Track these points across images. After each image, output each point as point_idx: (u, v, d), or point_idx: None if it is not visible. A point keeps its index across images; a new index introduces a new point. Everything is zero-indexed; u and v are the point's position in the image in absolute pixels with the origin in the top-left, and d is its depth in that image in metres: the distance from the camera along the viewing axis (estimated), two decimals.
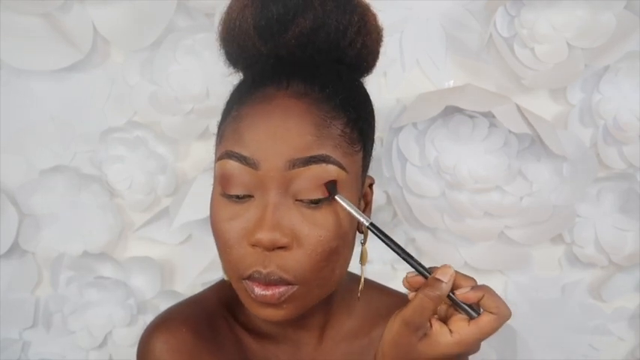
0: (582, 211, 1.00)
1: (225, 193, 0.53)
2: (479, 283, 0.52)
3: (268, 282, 0.51)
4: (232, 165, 0.52)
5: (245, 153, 0.51)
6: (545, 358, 1.06)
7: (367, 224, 0.52)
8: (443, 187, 0.98)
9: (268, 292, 0.51)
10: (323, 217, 0.52)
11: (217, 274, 0.98)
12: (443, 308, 0.52)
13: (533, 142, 0.95)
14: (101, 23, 0.93)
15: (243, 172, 0.51)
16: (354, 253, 0.59)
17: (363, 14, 0.57)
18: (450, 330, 0.49)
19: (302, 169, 0.51)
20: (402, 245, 1.02)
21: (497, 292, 0.50)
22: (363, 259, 0.58)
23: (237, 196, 0.52)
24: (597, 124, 0.97)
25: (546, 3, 0.90)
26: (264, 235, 0.50)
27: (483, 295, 0.49)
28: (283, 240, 0.50)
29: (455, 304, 0.50)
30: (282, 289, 0.51)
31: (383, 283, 0.68)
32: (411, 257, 0.51)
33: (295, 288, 0.52)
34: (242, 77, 0.59)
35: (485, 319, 0.48)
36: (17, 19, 0.93)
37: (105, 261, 1.02)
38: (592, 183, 0.97)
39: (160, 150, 0.99)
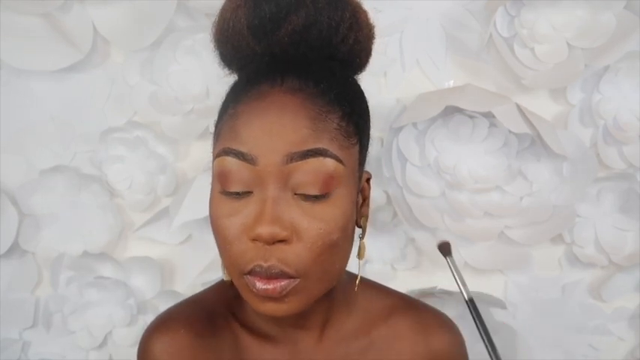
0: (582, 211, 1.00)
1: (224, 190, 0.53)
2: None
3: (269, 275, 0.51)
4: (230, 162, 0.52)
5: (242, 149, 0.51)
6: (545, 358, 1.06)
7: (466, 299, 0.54)
8: (443, 187, 0.98)
9: (270, 286, 0.51)
10: (322, 210, 0.52)
11: (217, 274, 0.98)
12: None
13: (533, 142, 0.95)
14: (101, 23, 0.93)
15: (241, 168, 0.52)
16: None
17: (355, 11, 0.58)
18: None
19: (299, 162, 0.51)
20: (402, 245, 1.02)
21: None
22: (360, 254, 0.59)
23: (237, 193, 0.52)
24: (597, 124, 0.97)
25: (546, 3, 0.90)
26: (264, 229, 0.50)
27: None
28: (283, 233, 0.51)
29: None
30: (283, 282, 0.52)
31: (383, 283, 0.68)
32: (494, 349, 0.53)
33: (297, 281, 0.52)
34: (237, 77, 0.59)
35: None
36: (17, 19, 0.93)
37: (105, 261, 1.02)
38: (592, 183, 0.97)
39: (160, 150, 0.99)
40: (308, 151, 0.51)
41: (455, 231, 0.98)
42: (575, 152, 0.95)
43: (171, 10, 0.92)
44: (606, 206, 1.00)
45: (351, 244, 0.57)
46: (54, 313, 1.04)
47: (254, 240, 0.51)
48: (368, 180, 0.61)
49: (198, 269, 1.01)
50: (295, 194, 0.52)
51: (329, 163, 0.52)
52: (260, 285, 0.52)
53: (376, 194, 0.99)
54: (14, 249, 1.02)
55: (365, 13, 0.59)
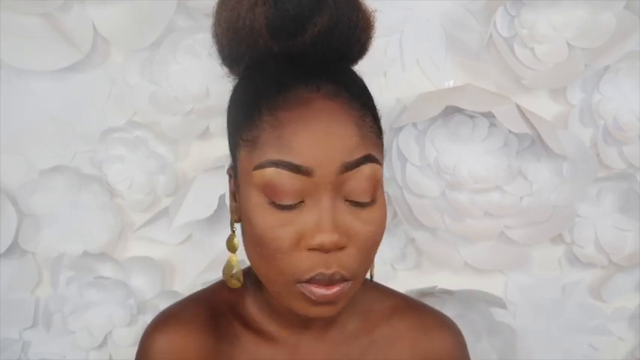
0: (582, 211, 1.00)
1: (275, 202, 0.51)
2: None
3: (332, 282, 0.52)
4: (281, 174, 0.51)
5: (297, 161, 0.50)
6: (545, 358, 1.06)
7: None
8: (443, 187, 0.98)
9: (330, 292, 0.52)
10: (371, 213, 0.53)
11: (217, 274, 0.98)
12: None
13: (533, 142, 0.95)
14: (101, 23, 0.93)
15: (294, 180, 0.50)
16: None
17: (366, 10, 0.58)
18: None
19: (352, 171, 0.51)
20: (402, 245, 1.02)
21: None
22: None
23: (291, 205, 0.51)
24: (597, 124, 0.97)
25: (546, 3, 0.90)
26: (326, 238, 0.50)
27: None
28: (343, 240, 0.51)
29: None
30: (341, 286, 0.52)
31: (383, 283, 0.68)
32: None
33: (350, 284, 0.53)
34: (247, 77, 0.57)
35: None
36: (17, 19, 0.93)
37: (105, 261, 1.02)
38: (592, 183, 0.97)
39: (160, 150, 0.99)
40: (359, 159, 0.51)
41: (455, 231, 0.98)
42: (575, 152, 0.95)
43: (171, 10, 0.92)
44: (606, 206, 1.00)
45: None
46: (54, 313, 1.04)
47: (312, 249, 0.51)
48: None
49: (198, 269, 1.01)
50: (346, 200, 0.52)
51: (375, 169, 0.52)
52: (320, 291, 0.52)
53: None
54: (14, 249, 1.01)
55: (372, 13, 0.59)
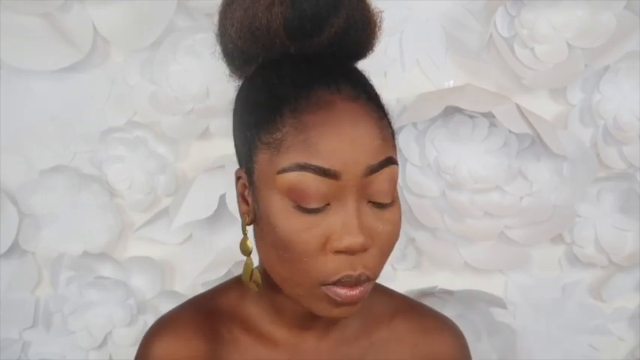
0: (582, 211, 1.00)
1: (301, 205, 0.51)
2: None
3: (358, 283, 0.52)
4: (308, 177, 0.50)
5: (324, 165, 0.50)
6: (545, 358, 1.06)
7: None
8: (443, 187, 0.98)
9: (355, 292, 0.52)
10: (391, 213, 0.53)
11: (217, 274, 0.99)
12: None
13: (533, 142, 0.95)
14: (101, 23, 0.93)
15: (320, 183, 0.50)
16: None
17: (374, 11, 0.58)
18: None
19: (376, 174, 0.51)
20: (402, 245, 1.02)
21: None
22: None
23: (317, 209, 0.51)
24: (597, 124, 0.97)
25: (546, 3, 0.90)
26: (354, 240, 0.50)
27: None
28: (369, 242, 0.51)
29: None
30: (364, 286, 0.53)
31: (383, 284, 0.68)
32: None
33: (372, 283, 0.54)
34: (261, 77, 0.56)
35: None
36: (17, 19, 0.93)
37: (105, 261, 1.02)
38: (592, 183, 0.97)
39: (160, 150, 0.99)
40: (382, 161, 0.52)
41: (455, 231, 0.98)
42: (575, 152, 0.95)
43: (171, 10, 0.92)
44: (606, 206, 1.00)
45: None
46: (54, 313, 1.04)
47: (339, 251, 0.51)
48: None
49: (199, 269, 1.01)
50: (369, 202, 0.52)
51: (395, 170, 0.53)
52: (346, 293, 0.52)
53: None
54: (14, 249, 1.01)
55: (379, 13, 0.59)
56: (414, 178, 0.98)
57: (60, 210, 1.01)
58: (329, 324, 0.62)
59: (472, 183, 0.96)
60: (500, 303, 0.98)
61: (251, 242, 0.57)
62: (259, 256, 0.57)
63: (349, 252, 0.51)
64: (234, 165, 0.59)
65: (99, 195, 1.00)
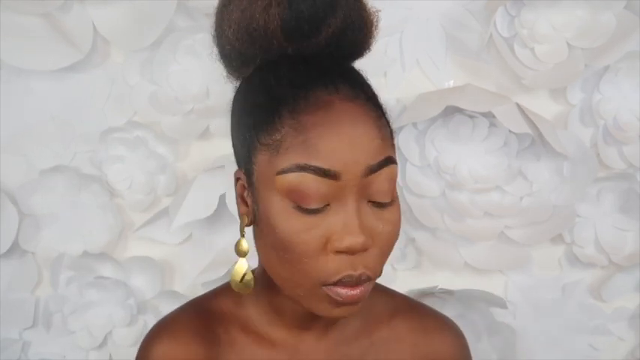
0: (582, 211, 1.00)
1: (301, 206, 0.51)
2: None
3: (359, 283, 0.52)
4: (308, 178, 0.50)
5: (324, 166, 0.50)
6: (545, 358, 1.06)
7: None
8: (443, 187, 0.98)
9: (356, 292, 0.52)
10: (390, 213, 0.53)
11: (217, 274, 0.99)
12: None
13: (533, 142, 0.95)
14: (101, 23, 0.93)
15: (321, 184, 0.50)
16: None
17: (370, 11, 0.58)
18: None
19: (376, 173, 0.51)
20: (402, 245, 1.02)
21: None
22: None
23: (317, 209, 0.51)
24: (597, 124, 0.97)
25: (546, 3, 0.90)
26: (354, 240, 0.50)
27: None
28: (369, 242, 0.51)
29: None
30: (364, 285, 0.53)
31: (383, 284, 0.68)
32: None
33: (372, 282, 0.54)
34: (258, 78, 0.56)
35: None
36: (17, 19, 0.93)
37: (105, 261, 1.02)
38: (592, 183, 0.97)
39: (160, 150, 0.99)
40: (382, 161, 0.52)
41: (455, 231, 0.98)
42: (576, 152, 0.95)
43: (171, 10, 0.92)
44: (606, 206, 1.00)
45: None
46: (54, 313, 1.04)
47: (339, 252, 0.51)
48: None
49: (199, 269, 1.01)
50: (369, 202, 0.52)
51: (394, 170, 0.53)
52: (346, 292, 0.52)
53: None
54: (14, 249, 1.01)
55: (375, 13, 0.59)
56: (414, 178, 0.98)
57: (60, 210, 1.01)
58: (328, 324, 0.62)
59: (472, 183, 0.96)
60: (500, 303, 0.98)
61: (247, 244, 0.57)
62: (259, 257, 0.57)
63: (350, 252, 0.51)
64: (234, 165, 0.59)
65: (99, 195, 1.00)
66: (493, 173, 0.96)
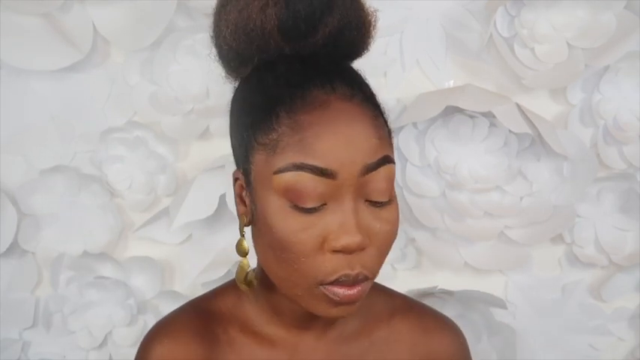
0: (582, 211, 1.00)
1: (298, 205, 0.51)
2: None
3: (356, 282, 0.52)
4: (304, 177, 0.50)
5: (320, 165, 0.50)
6: (545, 358, 1.06)
7: None
8: (443, 187, 0.98)
9: (353, 291, 0.52)
10: (388, 212, 0.54)
11: (217, 274, 0.99)
12: None
13: (533, 142, 0.95)
14: (101, 23, 0.93)
15: (317, 183, 0.50)
16: None
17: (368, 10, 0.58)
18: None
19: (373, 172, 0.51)
20: (402, 245, 1.02)
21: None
22: None
23: (314, 208, 0.51)
24: (597, 124, 0.97)
25: (546, 3, 0.90)
26: (351, 240, 0.50)
27: None
28: (366, 241, 0.51)
29: None
30: (362, 285, 0.53)
31: (383, 284, 0.68)
32: None
33: (369, 282, 0.54)
34: (256, 78, 0.56)
35: None
36: (17, 19, 0.93)
37: (105, 261, 1.02)
38: (592, 183, 0.97)
39: (160, 150, 0.99)
40: (379, 160, 0.51)
41: (455, 231, 0.98)
42: (576, 152, 0.95)
43: (172, 10, 0.92)
44: (606, 206, 1.00)
45: None
46: (54, 313, 1.04)
47: (336, 251, 0.51)
48: None
49: (199, 269, 1.01)
50: (366, 201, 0.52)
51: (392, 169, 0.53)
52: (343, 292, 0.52)
53: None
54: (14, 249, 1.02)
55: (374, 13, 0.59)
56: (414, 178, 0.98)
57: (60, 210, 1.01)
58: (327, 323, 0.62)
59: (472, 183, 0.96)
60: (500, 303, 0.98)
61: (247, 243, 0.57)
62: (257, 256, 0.57)
63: (347, 251, 0.51)
64: (233, 165, 0.59)
65: (99, 195, 1.00)
66: (493, 173, 0.96)
